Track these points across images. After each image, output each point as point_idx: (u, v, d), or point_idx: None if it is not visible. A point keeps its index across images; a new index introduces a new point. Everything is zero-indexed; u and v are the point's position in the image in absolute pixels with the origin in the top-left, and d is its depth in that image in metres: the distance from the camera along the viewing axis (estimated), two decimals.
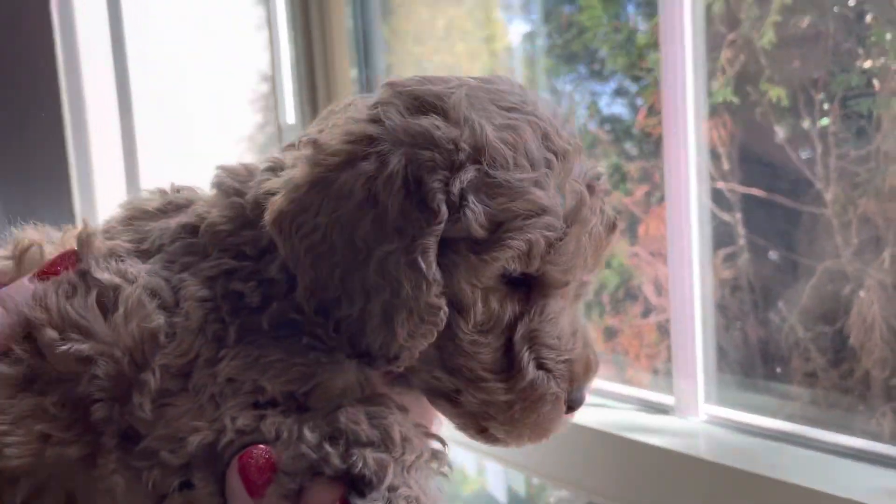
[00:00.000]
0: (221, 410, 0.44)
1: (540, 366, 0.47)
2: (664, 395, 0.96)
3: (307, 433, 0.43)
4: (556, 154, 0.47)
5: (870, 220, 0.91)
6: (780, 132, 0.95)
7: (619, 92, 1.18)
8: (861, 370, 0.94)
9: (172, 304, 0.46)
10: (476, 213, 0.44)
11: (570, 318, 0.49)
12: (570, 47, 1.20)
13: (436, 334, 0.45)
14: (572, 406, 0.49)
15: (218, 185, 0.52)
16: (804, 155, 0.94)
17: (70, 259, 0.49)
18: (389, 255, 0.44)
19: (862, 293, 0.94)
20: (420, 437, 0.46)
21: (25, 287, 0.48)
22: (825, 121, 0.92)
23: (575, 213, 0.47)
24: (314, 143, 0.48)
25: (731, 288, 1.03)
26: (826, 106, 0.91)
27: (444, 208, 0.44)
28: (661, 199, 1.10)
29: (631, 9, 1.12)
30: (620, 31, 1.13)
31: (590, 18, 1.11)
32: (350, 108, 0.50)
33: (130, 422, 0.45)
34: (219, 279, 0.47)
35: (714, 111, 0.96)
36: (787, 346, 0.98)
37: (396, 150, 0.45)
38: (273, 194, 0.48)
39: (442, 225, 0.44)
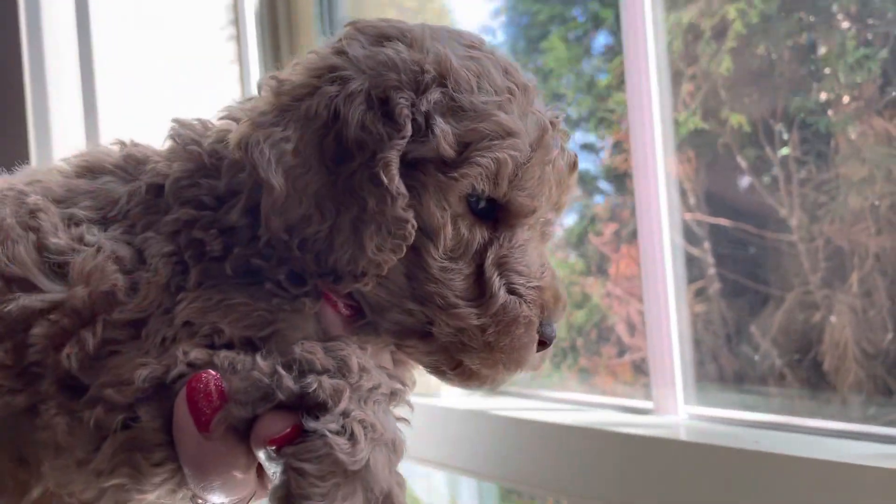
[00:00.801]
0: (173, 349, 0.43)
1: (511, 291, 0.47)
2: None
3: (260, 361, 0.42)
4: (517, 85, 0.48)
5: (835, 244, 0.93)
6: (743, 161, 0.97)
7: (585, 135, 1.20)
8: (838, 397, 0.93)
9: (137, 264, 0.46)
10: (445, 133, 0.45)
11: (537, 252, 0.50)
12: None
13: (404, 249, 0.45)
14: (544, 340, 0.49)
15: (174, 136, 0.52)
16: (767, 182, 0.96)
17: None
18: (354, 173, 0.44)
19: (833, 318, 0.94)
20: (380, 371, 0.44)
21: None
22: (785, 150, 0.94)
23: (538, 140, 0.48)
24: (276, 79, 0.48)
25: (704, 322, 1.02)
26: (785, 135, 0.94)
27: (408, 124, 0.44)
28: (632, 237, 1.11)
29: (594, 52, 1.15)
30: (582, 75, 1.16)
31: (555, 60, 1.14)
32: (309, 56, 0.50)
33: (70, 370, 0.44)
34: (181, 232, 0.46)
35: (679, 144, 0.98)
36: (763, 375, 0.97)
37: (361, 76, 0.45)
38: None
39: (405, 140, 0.44)
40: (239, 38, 1.22)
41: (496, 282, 0.47)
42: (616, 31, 1.09)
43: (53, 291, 0.46)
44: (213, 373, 0.42)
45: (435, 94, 0.45)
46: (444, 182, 0.45)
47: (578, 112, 1.17)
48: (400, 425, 0.44)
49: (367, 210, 0.44)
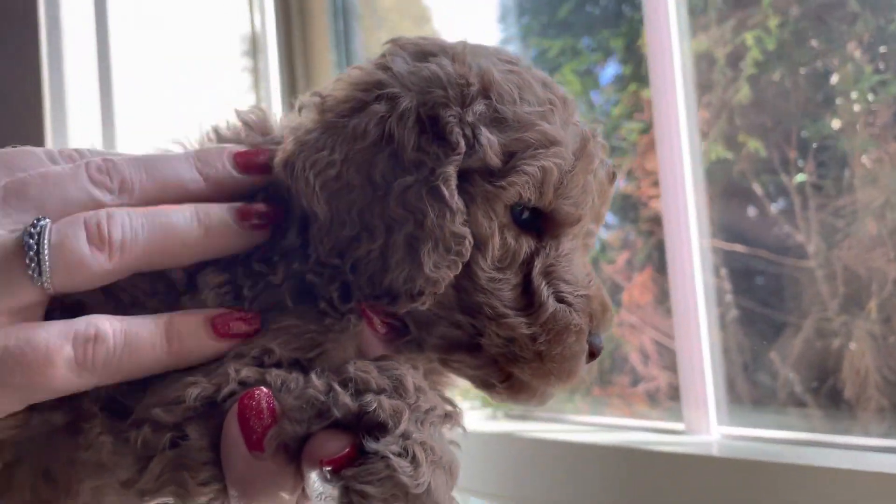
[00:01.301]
0: (222, 368, 0.42)
1: (560, 299, 0.47)
2: None
3: (315, 379, 0.41)
4: (557, 97, 0.49)
5: (853, 270, 0.92)
6: (759, 188, 0.97)
7: None
8: (860, 426, 0.92)
9: (187, 286, 0.45)
10: (490, 143, 0.44)
11: (581, 262, 0.50)
12: None
13: (461, 266, 0.44)
14: (593, 350, 0.48)
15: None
16: (783, 208, 0.96)
17: None
18: (410, 187, 0.43)
19: (852, 345, 0.93)
20: (434, 392, 0.44)
21: None
22: (801, 176, 0.94)
23: (581, 149, 0.48)
24: (320, 96, 0.47)
25: (723, 349, 1.02)
26: (801, 162, 0.94)
27: (461, 141, 0.44)
28: (644, 265, 1.10)
29: (603, 82, 1.16)
30: (593, 106, 1.16)
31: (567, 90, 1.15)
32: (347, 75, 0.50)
33: (112, 392, 0.43)
34: (237, 261, 0.46)
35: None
36: (782, 403, 0.96)
37: (407, 92, 0.45)
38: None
39: (461, 157, 0.44)
40: (257, 68, 1.23)
41: (544, 290, 0.47)
42: (626, 59, 1.10)
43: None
44: (265, 390, 0.41)
45: (479, 107, 0.45)
46: (491, 192, 0.45)
47: None
48: (452, 448, 0.43)
49: (425, 226, 0.43)
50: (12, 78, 0.98)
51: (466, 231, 0.44)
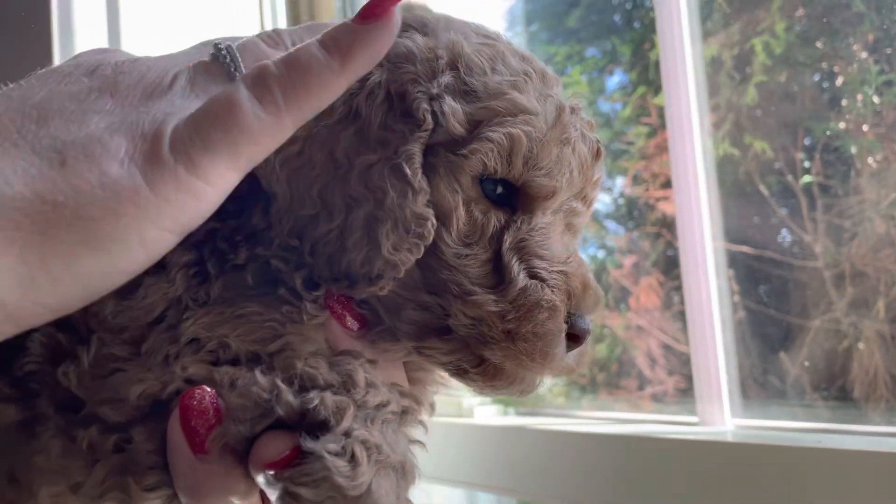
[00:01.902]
0: (176, 363, 0.40)
1: (532, 275, 0.44)
2: None
3: (259, 377, 0.38)
4: (534, 69, 0.46)
5: (861, 270, 0.93)
6: (765, 189, 0.98)
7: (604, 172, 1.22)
8: (868, 421, 0.92)
9: (156, 268, 0.41)
10: (454, 111, 0.43)
11: (563, 240, 0.47)
12: None
13: (422, 249, 0.42)
14: (576, 333, 0.44)
15: None
16: (790, 209, 0.96)
17: None
18: (373, 165, 0.42)
19: (861, 345, 0.93)
20: (391, 388, 0.41)
21: None
22: (808, 178, 0.95)
23: (555, 119, 0.45)
24: None
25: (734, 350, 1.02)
26: (807, 163, 0.95)
27: (429, 117, 0.42)
28: (652, 268, 1.11)
29: (610, 88, 1.17)
30: (599, 111, 1.18)
31: (575, 96, 1.16)
32: None
33: (69, 387, 0.41)
34: (206, 242, 0.44)
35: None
36: (791, 405, 0.96)
37: (378, 69, 0.43)
38: None
39: (427, 133, 0.42)
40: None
41: (515, 266, 0.44)
42: (633, 65, 1.11)
43: None
44: (208, 389, 0.38)
45: (446, 78, 0.43)
46: (454, 162, 0.43)
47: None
48: (414, 448, 0.41)
49: (385, 205, 0.41)
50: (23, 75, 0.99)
51: (429, 212, 0.42)
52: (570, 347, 0.45)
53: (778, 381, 0.98)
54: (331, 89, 0.41)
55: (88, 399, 0.40)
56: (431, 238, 0.42)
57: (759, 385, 0.98)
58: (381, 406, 0.39)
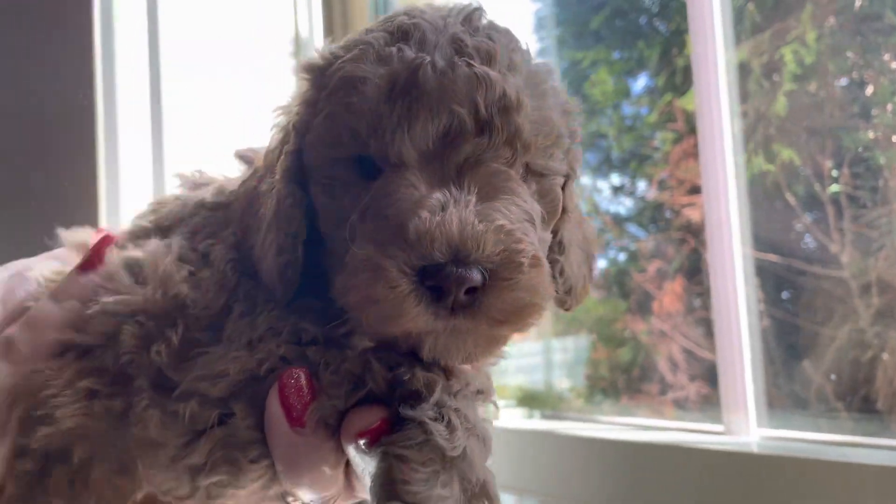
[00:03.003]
0: (263, 345, 0.43)
1: (371, 239, 0.40)
2: None
3: (350, 354, 0.41)
4: (387, 32, 0.45)
5: (887, 281, 0.92)
6: (793, 198, 0.98)
7: (626, 172, 1.22)
8: (892, 432, 0.92)
9: (202, 266, 0.47)
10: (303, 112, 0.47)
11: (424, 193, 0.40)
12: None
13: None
14: (436, 284, 0.38)
15: (242, 157, 0.54)
16: (818, 218, 0.96)
17: (106, 243, 0.50)
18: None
19: (885, 356, 0.93)
20: (465, 370, 0.43)
21: (74, 278, 0.50)
22: (836, 187, 0.95)
23: (388, 77, 0.42)
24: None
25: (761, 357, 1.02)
26: (835, 173, 0.94)
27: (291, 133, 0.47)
28: (675, 274, 1.11)
29: (636, 90, 1.17)
30: (624, 116, 1.18)
31: (602, 95, 1.16)
32: None
33: (161, 367, 0.44)
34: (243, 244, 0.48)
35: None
36: (814, 412, 0.97)
37: None
38: None
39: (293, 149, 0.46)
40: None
41: (355, 231, 0.41)
42: (660, 70, 1.11)
43: (134, 293, 0.46)
44: (304, 368, 0.41)
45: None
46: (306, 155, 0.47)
47: (620, 150, 1.19)
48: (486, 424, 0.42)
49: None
50: (67, 80, 1.01)
51: (295, 212, 0.44)
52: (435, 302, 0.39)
53: (802, 390, 0.98)
54: None
55: (180, 378, 0.43)
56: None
57: (783, 394, 0.98)
58: (464, 386, 0.41)
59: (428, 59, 0.41)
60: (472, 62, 0.41)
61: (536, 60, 0.46)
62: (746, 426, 0.83)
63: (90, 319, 0.47)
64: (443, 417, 0.39)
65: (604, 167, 1.25)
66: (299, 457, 0.41)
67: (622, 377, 1.19)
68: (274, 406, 0.41)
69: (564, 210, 0.47)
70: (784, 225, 0.99)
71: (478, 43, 0.42)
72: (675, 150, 1.09)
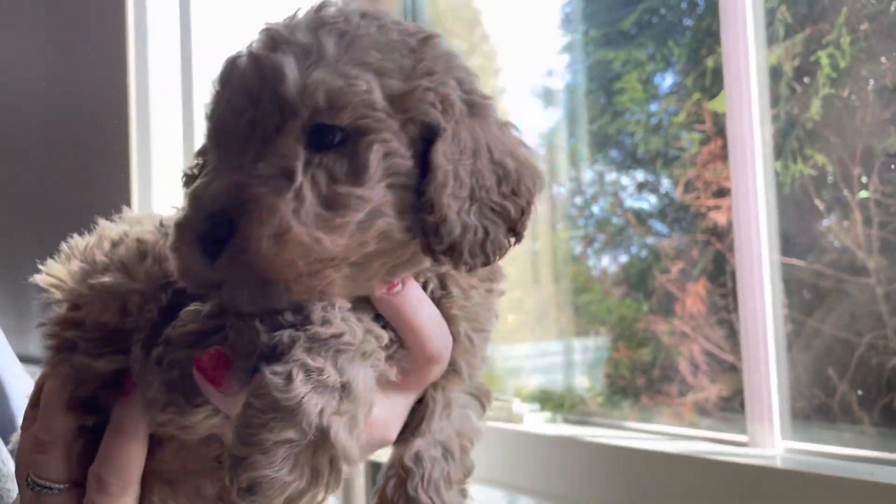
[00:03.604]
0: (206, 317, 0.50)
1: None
2: None
3: (256, 323, 0.45)
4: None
5: None
6: (820, 203, 0.97)
7: (651, 171, 1.21)
8: None
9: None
10: None
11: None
12: (604, 131, 1.24)
13: None
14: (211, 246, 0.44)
15: None
16: (845, 224, 0.96)
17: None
18: None
19: None
20: (359, 326, 0.45)
21: None
22: (865, 193, 0.94)
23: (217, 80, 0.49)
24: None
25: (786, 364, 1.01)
26: (864, 178, 0.94)
27: None
28: (700, 275, 1.11)
29: (664, 90, 1.16)
30: (651, 115, 1.17)
31: (630, 100, 1.16)
32: None
33: (154, 320, 0.51)
34: None
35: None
36: (836, 419, 0.96)
37: None
38: None
39: None
40: None
41: None
42: (688, 70, 1.11)
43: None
44: (215, 349, 0.46)
45: None
46: None
47: (646, 150, 1.18)
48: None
49: None
50: (100, 76, 1.01)
51: None
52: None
53: (826, 398, 0.98)
54: None
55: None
56: None
57: (807, 403, 0.98)
58: (333, 337, 0.44)
59: (237, 55, 0.48)
60: (258, 50, 0.47)
61: (379, 27, 0.47)
62: (771, 438, 0.82)
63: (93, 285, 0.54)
64: (284, 372, 0.42)
65: (628, 162, 1.25)
66: (234, 406, 0.46)
67: (642, 377, 1.19)
68: (199, 378, 0.47)
69: (431, 167, 0.46)
70: (810, 230, 0.99)
71: (279, 30, 0.47)
72: (703, 151, 1.08)
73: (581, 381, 1.26)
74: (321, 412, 0.42)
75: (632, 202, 1.26)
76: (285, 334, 0.43)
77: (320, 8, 0.48)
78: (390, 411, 0.50)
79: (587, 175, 1.32)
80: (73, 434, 0.54)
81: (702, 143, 1.08)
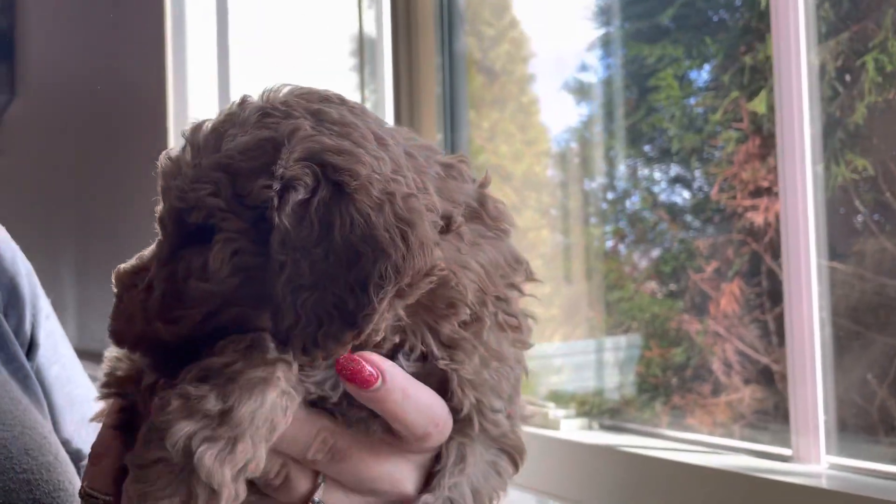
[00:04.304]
0: None
1: None
2: None
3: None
4: None
5: None
6: (862, 205, 0.95)
7: (686, 168, 1.20)
8: None
9: None
10: None
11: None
12: (638, 127, 1.23)
13: None
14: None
15: None
16: (888, 228, 0.94)
17: None
18: None
19: None
20: (259, 355, 0.45)
21: None
22: None
23: None
24: None
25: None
26: None
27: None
28: (735, 275, 1.09)
29: (701, 87, 1.14)
30: (688, 112, 1.15)
31: (666, 99, 1.14)
32: None
33: None
34: None
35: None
36: (876, 426, 0.95)
37: None
38: None
39: None
40: (363, 67, 1.25)
41: None
42: (727, 67, 1.09)
43: None
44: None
45: None
46: None
47: (681, 147, 1.16)
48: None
49: None
50: (139, 73, 1.02)
51: None
52: None
53: (869, 407, 0.96)
54: None
55: None
56: None
57: (851, 413, 0.96)
58: (226, 366, 0.45)
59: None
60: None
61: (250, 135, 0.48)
62: (817, 452, 0.81)
63: None
64: (165, 397, 0.45)
65: (663, 158, 1.23)
66: None
67: (675, 377, 1.18)
68: None
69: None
70: (853, 234, 0.97)
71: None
72: (740, 150, 1.07)
73: (612, 380, 1.26)
74: (190, 436, 0.43)
75: (665, 197, 1.25)
76: (193, 368, 0.45)
77: (241, 102, 0.49)
78: (394, 469, 0.49)
79: (620, 170, 1.30)
80: (122, 448, 0.54)
81: (738, 142, 1.06)
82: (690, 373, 1.15)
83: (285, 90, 0.49)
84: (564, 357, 1.36)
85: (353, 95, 1.34)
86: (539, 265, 1.45)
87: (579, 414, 1.11)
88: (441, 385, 0.48)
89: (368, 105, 1.38)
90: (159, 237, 0.49)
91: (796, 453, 0.83)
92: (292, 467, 0.48)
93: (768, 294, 1.08)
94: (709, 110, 1.12)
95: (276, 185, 0.44)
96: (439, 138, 1.40)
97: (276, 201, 0.44)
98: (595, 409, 1.20)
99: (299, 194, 0.44)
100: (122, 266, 0.50)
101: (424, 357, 0.48)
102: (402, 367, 0.47)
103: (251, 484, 0.46)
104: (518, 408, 0.52)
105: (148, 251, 0.50)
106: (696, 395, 1.14)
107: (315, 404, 0.48)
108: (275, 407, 0.44)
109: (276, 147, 0.45)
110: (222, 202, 0.45)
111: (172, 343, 0.47)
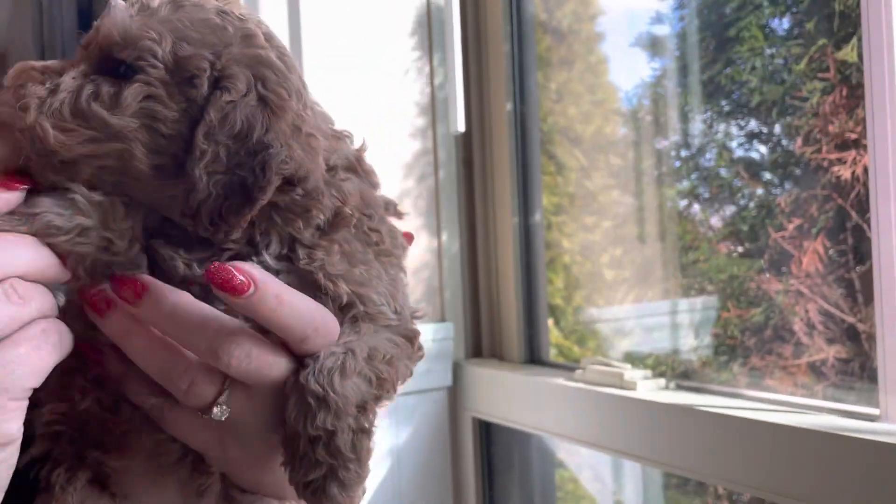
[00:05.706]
0: None
1: None
2: None
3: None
4: None
5: None
6: None
7: (765, 122, 1.15)
8: None
9: None
10: None
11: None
12: (716, 80, 1.19)
13: None
14: None
15: None
16: None
17: None
18: None
19: None
20: None
21: None
22: None
23: None
24: None
25: None
26: None
27: None
28: (819, 233, 1.05)
29: (784, 36, 1.09)
30: (770, 63, 1.11)
31: (749, 50, 1.09)
32: None
33: None
34: None
35: None
36: None
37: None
38: None
39: None
40: (431, 42, 1.25)
41: None
42: (812, 13, 1.03)
43: None
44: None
45: None
46: None
47: (760, 98, 1.12)
48: None
49: None
50: None
51: None
52: None
53: None
54: None
55: None
56: None
57: None
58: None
59: None
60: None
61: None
62: None
63: None
64: None
65: (740, 112, 1.19)
66: None
67: (753, 338, 1.14)
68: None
69: (193, 141, 0.50)
70: None
71: None
72: (825, 101, 1.02)
73: (687, 342, 1.23)
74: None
75: (741, 153, 1.20)
76: None
77: None
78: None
79: (695, 126, 1.26)
80: None
81: (824, 93, 1.02)
82: (770, 333, 1.12)
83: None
84: (636, 319, 1.34)
85: (420, 63, 1.34)
86: (609, 227, 1.42)
87: (655, 375, 1.09)
88: (315, 288, 0.51)
89: (439, 73, 1.38)
90: (78, 55, 0.52)
91: (884, 413, 0.80)
92: (198, 372, 0.49)
93: (854, 251, 1.03)
94: (792, 60, 1.07)
95: (212, 69, 0.50)
96: (508, 108, 1.39)
97: (205, 85, 0.49)
98: (671, 370, 1.18)
99: (231, 95, 0.49)
100: (32, 62, 0.51)
101: (290, 259, 0.52)
102: (269, 266, 0.51)
103: (158, 387, 0.50)
104: (405, 308, 0.55)
105: (57, 62, 0.52)
106: (776, 356, 1.11)
107: None
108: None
109: (225, 39, 0.50)
110: (159, 51, 0.49)
111: (47, 152, 0.48)
